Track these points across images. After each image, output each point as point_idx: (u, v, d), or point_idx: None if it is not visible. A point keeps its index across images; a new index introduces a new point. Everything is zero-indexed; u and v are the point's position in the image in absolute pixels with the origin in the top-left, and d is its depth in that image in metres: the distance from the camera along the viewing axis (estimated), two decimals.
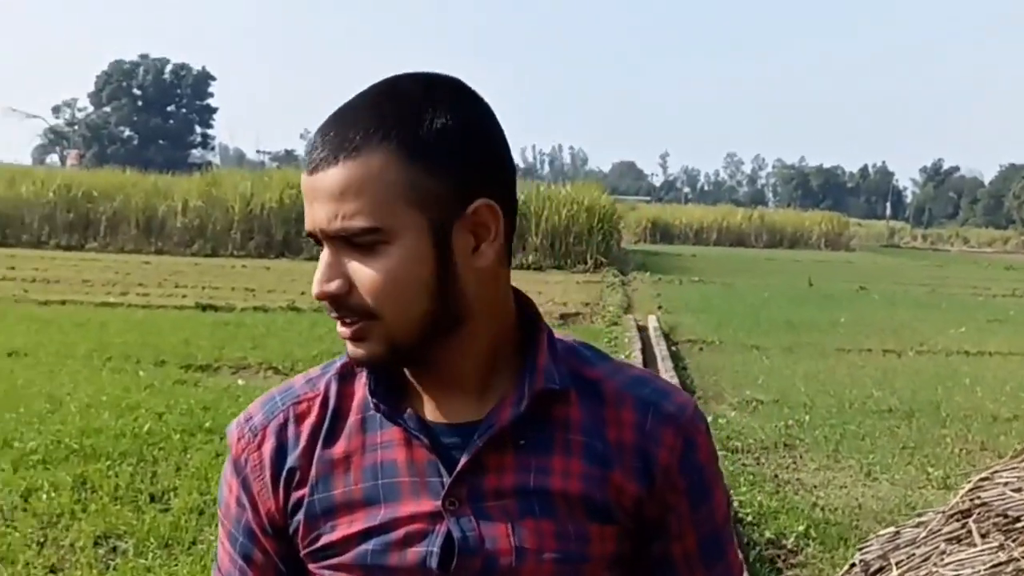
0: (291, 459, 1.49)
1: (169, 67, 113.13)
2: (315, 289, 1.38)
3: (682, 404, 1.48)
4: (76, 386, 11.19)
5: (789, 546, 7.18)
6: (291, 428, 1.51)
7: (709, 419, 7.56)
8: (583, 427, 1.45)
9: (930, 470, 9.21)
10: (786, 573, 6.75)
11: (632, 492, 1.44)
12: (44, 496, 7.33)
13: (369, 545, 1.43)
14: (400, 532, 1.42)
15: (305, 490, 1.47)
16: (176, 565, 6.15)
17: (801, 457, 9.74)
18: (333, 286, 1.36)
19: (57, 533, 6.68)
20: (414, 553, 1.41)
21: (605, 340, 16.51)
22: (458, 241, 1.37)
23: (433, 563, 1.40)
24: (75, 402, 10.31)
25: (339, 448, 1.47)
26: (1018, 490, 3.21)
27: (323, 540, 1.46)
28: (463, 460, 1.41)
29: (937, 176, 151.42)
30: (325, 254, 1.38)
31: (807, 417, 11.37)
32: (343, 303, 1.37)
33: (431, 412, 1.47)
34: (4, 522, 6.84)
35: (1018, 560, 2.84)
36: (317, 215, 1.35)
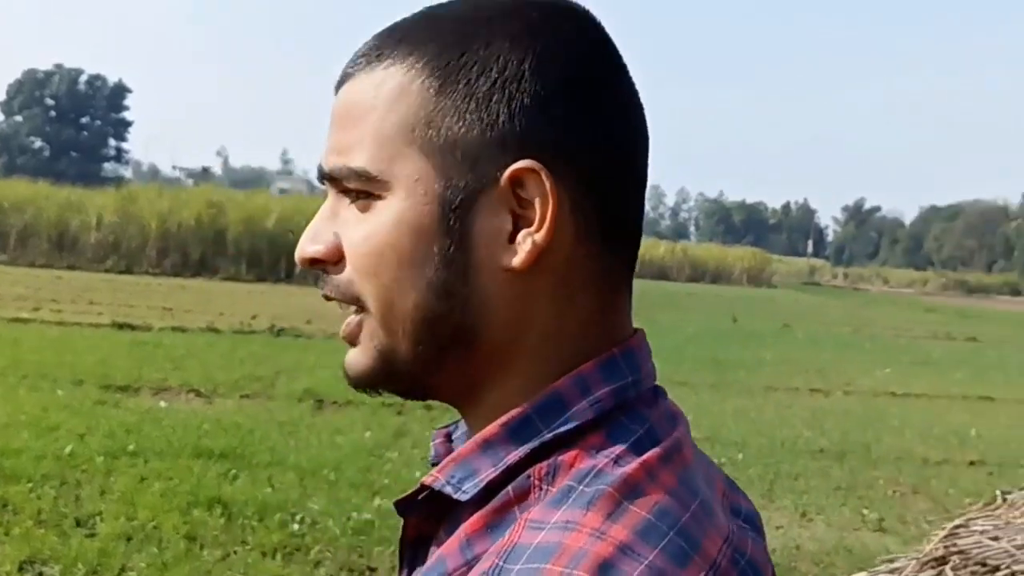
0: None
1: (84, 78, 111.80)
2: (296, 251, 1.02)
3: None
4: None
5: None
6: None
7: None
8: (437, 568, 0.92)
9: (865, 512, 9.30)
10: None
11: None
12: None
13: None
14: None
15: None
16: None
17: None
18: (313, 248, 1.00)
19: None
20: None
21: None
22: (483, 218, 0.93)
23: None
24: None
25: None
26: (995, 539, 3.24)
27: None
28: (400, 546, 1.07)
29: (858, 215, 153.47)
30: (323, 205, 1.02)
31: (740, 456, 11.42)
32: (329, 277, 1.01)
33: None
34: None
35: None
36: (324, 148, 1.01)
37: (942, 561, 3.27)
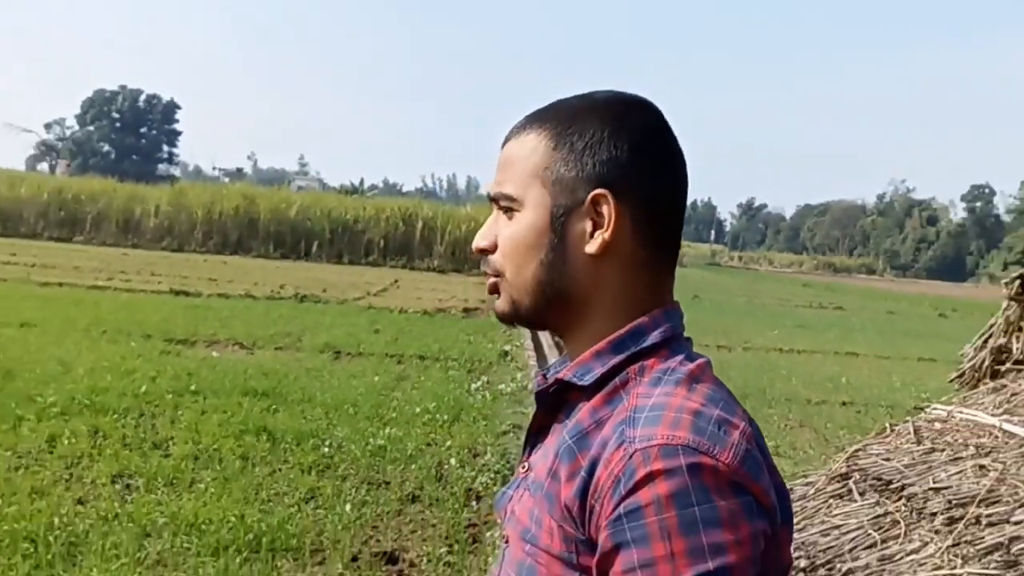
0: None
1: (143, 96, 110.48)
2: (473, 243, 1.36)
3: (649, 435, 1.10)
4: (80, 353, 10.88)
5: None
6: None
7: None
8: (576, 427, 1.21)
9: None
10: None
11: (571, 501, 1.16)
12: (66, 441, 7.12)
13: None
14: (515, 480, 1.36)
15: None
16: (181, 500, 6.01)
17: None
18: (482, 242, 1.33)
19: (80, 472, 6.50)
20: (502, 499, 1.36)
21: (501, 330, 16.55)
22: (575, 225, 1.26)
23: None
24: (81, 366, 10.01)
25: None
26: (887, 459, 3.30)
27: None
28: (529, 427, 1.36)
29: (750, 210, 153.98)
30: (490, 217, 1.36)
31: None
32: (487, 259, 1.33)
33: None
34: (34, 462, 6.64)
35: (893, 513, 2.92)
36: (493, 181, 1.34)
37: (846, 477, 3.33)
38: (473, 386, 10.94)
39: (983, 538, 2.57)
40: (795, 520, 3.28)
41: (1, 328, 12.39)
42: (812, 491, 3.33)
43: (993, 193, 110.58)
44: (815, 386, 13.19)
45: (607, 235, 1.24)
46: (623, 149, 1.26)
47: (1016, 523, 2.57)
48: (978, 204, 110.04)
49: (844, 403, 11.94)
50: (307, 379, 10.45)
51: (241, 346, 12.79)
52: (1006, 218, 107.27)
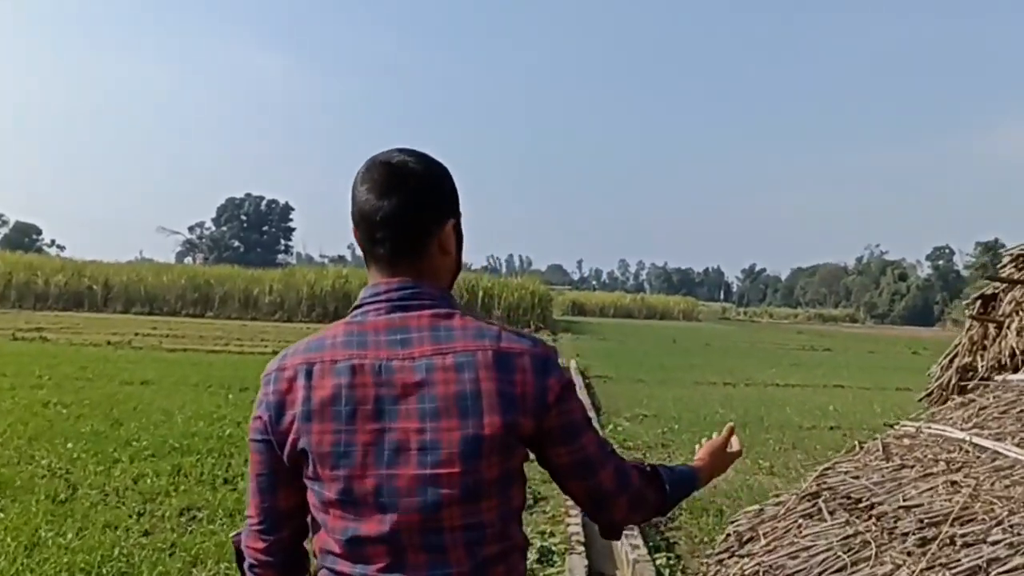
0: None
1: (264, 202, 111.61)
2: None
3: None
4: (184, 404, 10.44)
5: (669, 516, 6.55)
6: None
7: (609, 427, 6.95)
8: None
9: (760, 462, 8.59)
10: (667, 534, 6.13)
11: None
12: (149, 480, 6.63)
13: None
14: None
15: None
16: (236, 528, 5.47)
17: (673, 454, 9.05)
18: None
19: (154, 507, 5.97)
20: None
21: None
22: None
23: None
24: (181, 415, 9.58)
25: None
26: (856, 478, 2.66)
27: None
28: None
29: (752, 274, 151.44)
30: None
31: (676, 426, 10.69)
32: None
33: None
34: (116, 499, 6.13)
35: (863, 533, 2.28)
36: None
37: (816, 496, 2.69)
38: None
39: (959, 560, 1.93)
40: (765, 542, 2.64)
41: (125, 386, 12.05)
42: (783, 511, 2.68)
43: (952, 252, 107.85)
44: (806, 414, 12.33)
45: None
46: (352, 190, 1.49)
47: (994, 543, 1.92)
48: (940, 262, 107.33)
49: (831, 427, 11.09)
50: None
51: None
52: (964, 272, 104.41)
